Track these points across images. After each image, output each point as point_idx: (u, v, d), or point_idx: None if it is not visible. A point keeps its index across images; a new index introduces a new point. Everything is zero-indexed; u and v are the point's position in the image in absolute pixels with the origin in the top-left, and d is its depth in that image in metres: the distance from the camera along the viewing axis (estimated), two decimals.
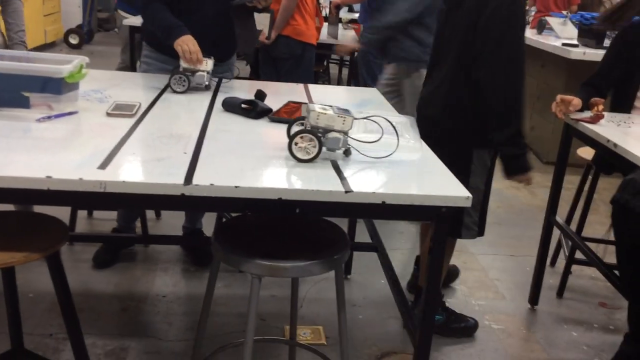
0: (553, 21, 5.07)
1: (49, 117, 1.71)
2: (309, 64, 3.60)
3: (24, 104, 1.72)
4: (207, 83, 2.24)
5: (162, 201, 1.37)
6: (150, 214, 3.13)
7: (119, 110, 1.83)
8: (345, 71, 6.81)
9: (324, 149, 1.57)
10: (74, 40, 7.97)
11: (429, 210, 1.43)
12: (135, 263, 2.80)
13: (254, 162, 1.53)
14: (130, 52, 4.13)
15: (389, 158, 1.63)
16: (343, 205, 1.41)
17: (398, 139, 1.66)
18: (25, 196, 1.32)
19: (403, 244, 3.21)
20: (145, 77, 2.40)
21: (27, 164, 1.37)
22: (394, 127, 1.67)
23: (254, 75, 4.49)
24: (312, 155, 1.55)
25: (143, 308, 2.45)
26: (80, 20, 8.23)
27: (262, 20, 3.30)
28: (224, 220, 2.91)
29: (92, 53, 7.46)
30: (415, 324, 1.69)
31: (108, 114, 1.80)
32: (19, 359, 1.81)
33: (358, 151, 1.62)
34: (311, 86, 2.56)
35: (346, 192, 1.39)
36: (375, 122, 1.84)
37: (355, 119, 1.61)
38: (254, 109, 1.95)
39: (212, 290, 1.75)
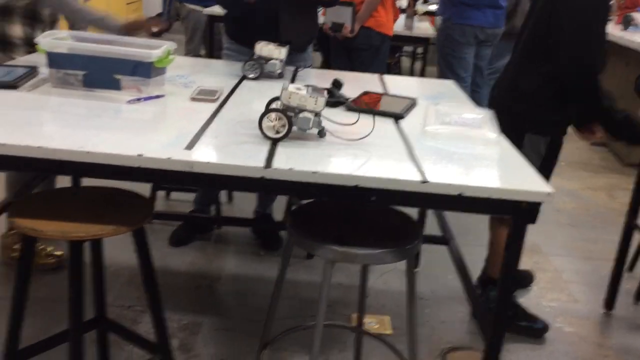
0: None
1: (138, 100, 1.80)
2: (384, 55, 3.59)
3: (116, 86, 1.82)
4: (279, 71, 2.28)
5: (243, 183, 1.42)
6: (222, 197, 3.23)
7: (203, 95, 1.90)
8: (418, 64, 6.73)
9: (295, 128, 1.57)
10: (154, 28, 8.27)
11: (508, 204, 1.40)
12: (209, 244, 2.90)
13: (331, 149, 1.55)
14: (210, 41, 4.25)
15: (468, 151, 1.61)
16: (419, 196, 1.41)
17: (374, 123, 1.67)
18: (117, 172, 1.40)
19: (473, 239, 3.16)
20: (227, 64, 2.47)
21: (119, 142, 1.44)
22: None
23: (325, 65, 4.52)
24: (281, 134, 1.55)
25: (215, 287, 2.54)
26: (160, 9, 8.50)
27: (343, 14, 3.31)
28: (292, 206, 2.97)
29: (173, 40, 7.71)
30: (488, 319, 1.67)
31: (192, 99, 1.87)
32: (102, 326, 1.92)
33: (333, 135, 1.61)
34: (386, 77, 2.55)
35: (423, 182, 1.39)
36: (451, 112, 1.82)
37: (330, 100, 1.59)
38: (331, 98, 1.97)
39: (284, 273, 1.80)
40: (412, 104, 2.03)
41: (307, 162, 1.43)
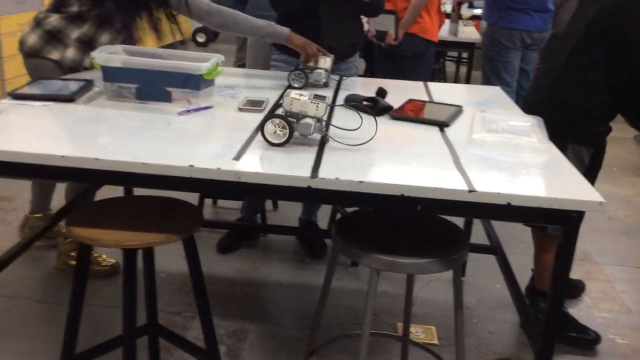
0: None
1: (188, 111, 1.85)
2: (429, 61, 3.57)
3: (167, 98, 1.88)
4: (324, 80, 2.30)
5: (289, 192, 1.44)
6: (268, 205, 3.27)
7: (250, 105, 1.94)
8: (463, 69, 6.66)
9: (296, 133, 1.58)
10: (200, 38, 8.46)
11: (557, 214, 1.38)
12: (255, 251, 2.94)
13: (377, 158, 1.56)
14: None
15: (516, 159, 1.60)
16: (466, 205, 1.40)
17: (376, 127, 1.69)
18: (170, 183, 1.45)
19: (522, 248, 3.10)
20: (273, 74, 2.51)
21: (171, 154, 1.49)
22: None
23: (369, 73, 4.52)
24: (283, 140, 1.57)
25: (262, 294, 2.58)
26: None
27: (385, 22, 3.31)
28: (337, 214, 2.98)
29: (217, 51, 7.87)
30: (537, 330, 1.65)
31: (240, 109, 1.91)
32: (153, 332, 1.97)
33: (334, 139, 1.63)
34: (431, 84, 2.54)
35: (470, 191, 1.38)
36: (497, 120, 1.81)
37: (331, 105, 1.57)
38: (376, 106, 1.98)
39: (330, 281, 1.81)
40: (457, 111, 2.02)
41: (352, 172, 1.45)
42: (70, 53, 2.20)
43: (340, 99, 2.14)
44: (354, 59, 2.70)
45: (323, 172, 1.43)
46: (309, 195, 1.45)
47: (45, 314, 2.35)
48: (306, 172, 1.43)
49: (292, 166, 1.46)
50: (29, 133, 1.57)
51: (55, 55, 2.20)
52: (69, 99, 1.84)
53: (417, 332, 2.33)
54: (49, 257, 2.72)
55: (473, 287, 2.72)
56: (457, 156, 1.60)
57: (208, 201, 3.36)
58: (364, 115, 1.96)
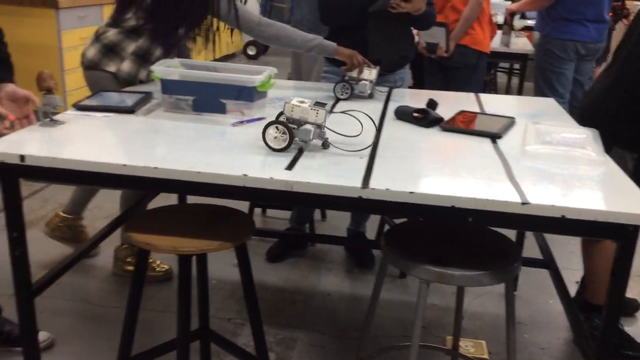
0: None
1: (242, 122, 1.90)
2: (481, 73, 3.54)
3: (222, 109, 1.93)
4: (369, 92, 2.32)
5: (340, 202, 1.46)
6: (316, 215, 3.30)
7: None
8: (514, 80, 6.55)
9: (297, 139, 1.63)
10: (251, 51, 8.62)
11: (613, 227, 1.35)
12: (303, 260, 2.97)
13: (427, 169, 1.57)
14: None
15: (571, 171, 1.57)
16: (519, 217, 1.38)
17: (379, 135, 1.74)
18: (224, 191, 1.49)
19: (575, 263, 3.02)
20: (322, 86, 2.55)
21: (225, 163, 1.54)
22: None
23: (418, 85, 4.51)
24: (283, 145, 1.61)
25: (310, 303, 2.60)
26: None
27: (437, 34, 3.31)
28: (385, 225, 2.98)
29: (267, 63, 8.01)
30: (592, 348, 1.60)
31: None
32: (205, 337, 2.02)
33: (335, 146, 1.67)
34: (482, 95, 2.52)
35: (523, 203, 1.37)
36: (552, 131, 1.78)
37: (331, 112, 1.60)
38: (426, 118, 1.98)
39: (379, 291, 1.81)
40: (510, 123, 1.99)
41: (403, 182, 1.46)
42: (126, 66, 2.30)
43: (390, 111, 2.15)
44: (402, 71, 2.71)
45: (374, 183, 1.44)
46: (360, 206, 1.46)
47: (101, 316, 2.43)
48: (357, 182, 1.44)
49: (342, 176, 1.48)
50: (92, 142, 1.64)
51: (112, 67, 2.30)
52: (130, 110, 1.92)
53: (467, 346, 2.30)
54: (107, 262, 2.82)
55: (525, 302, 2.66)
56: (509, 168, 1.59)
57: (257, 210, 3.42)
58: (413, 127, 1.97)
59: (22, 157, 1.51)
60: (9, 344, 2.16)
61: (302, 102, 1.64)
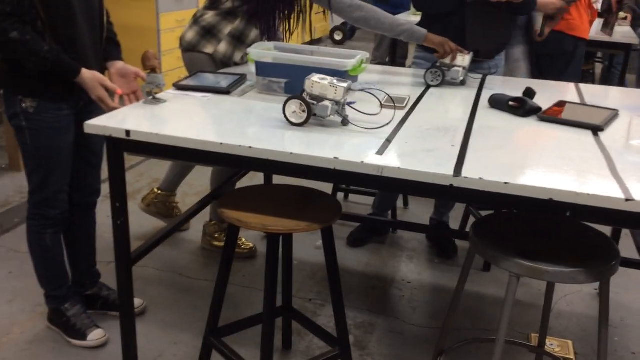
0: None
1: None
2: (579, 61, 3.36)
3: None
4: (462, 78, 2.27)
5: (430, 190, 1.45)
6: (398, 203, 3.28)
7: (391, 102, 1.96)
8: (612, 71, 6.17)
9: (315, 115, 1.67)
10: (338, 36, 8.63)
11: None
12: (384, 247, 2.97)
13: (523, 160, 1.51)
14: (392, 50, 4.34)
15: None
16: (621, 214, 1.31)
17: (395, 111, 1.77)
18: (314, 173, 1.51)
19: None
20: (413, 72, 2.52)
21: (316, 145, 1.55)
22: None
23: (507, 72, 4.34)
24: (302, 120, 1.66)
25: (389, 290, 2.60)
26: None
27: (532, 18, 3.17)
28: (470, 216, 2.92)
29: (353, 48, 7.99)
30: None
31: (381, 105, 1.95)
32: (288, 315, 2.07)
33: (353, 124, 1.71)
34: (583, 86, 2.41)
35: (627, 199, 1.30)
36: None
37: (351, 90, 1.69)
38: (522, 107, 1.91)
39: (464, 282, 1.78)
40: (613, 115, 1.89)
41: (497, 172, 1.42)
42: (222, 47, 2.37)
43: (484, 99, 2.10)
44: (498, 57, 2.63)
45: (466, 172, 1.42)
46: (450, 194, 1.44)
47: (190, 288, 2.55)
48: (449, 170, 1.42)
49: (434, 164, 1.46)
50: (191, 121, 1.71)
51: (209, 49, 2.38)
52: (225, 91, 1.99)
53: (552, 345, 2.22)
54: (196, 237, 2.95)
55: (617, 304, 2.53)
56: (612, 162, 1.51)
57: (339, 196, 3.44)
58: (509, 116, 1.91)
59: (128, 132, 1.60)
60: (106, 308, 2.31)
61: (323, 78, 1.67)
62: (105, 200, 2.37)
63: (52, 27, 1.81)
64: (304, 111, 1.67)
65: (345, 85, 1.66)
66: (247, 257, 2.79)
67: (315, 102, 1.68)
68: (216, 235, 2.81)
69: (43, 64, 1.77)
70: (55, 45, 1.80)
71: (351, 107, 1.78)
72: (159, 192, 2.92)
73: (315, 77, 1.68)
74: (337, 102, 1.67)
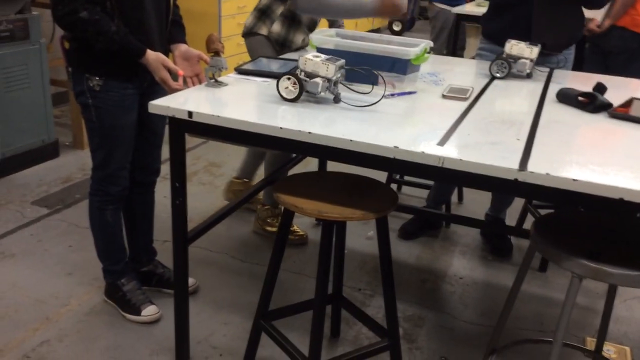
0: None
1: (392, 95, 1.88)
2: None
3: (373, 81, 1.93)
4: (528, 71, 2.19)
5: (493, 183, 1.40)
6: (452, 198, 3.21)
7: (454, 93, 1.92)
8: None
9: (308, 92, 1.71)
10: (396, 27, 8.53)
11: None
12: (436, 241, 2.93)
13: (592, 157, 1.45)
14: (453, 41, 4.25)
15: None
16: None
17: (385, 89, 1.83)
18: (374, 161, 1.49)
19: None
20: (477, 63, 2.45)
21: (375, 134, 1.54)
22: None
23: (575, 68, 4.18)
24: (294, 96, 1.72)
25: (440, 284, 2.56)
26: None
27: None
28: (527, 214, 2.83)
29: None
30: None
31: (443, 96, 1.90)
32: (338, 303, 2.07)
33: (344, 102, 1.76)
34: None
35: None
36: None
37: (344, 68, 1.74)
38: (592, 103, 1.84)
39: (521, 281, 1.73)
40: None
41: (565, 168, 1.36)
42: (276, 27, 2.40)
43: (551, 92, 2.02)
44: (567, 51, 2.53)
45: (532, 166, 1.37)
46: (514, 189, 1.40)
47: (241, 270, 2.58)
48: (514, 164, 1.38)
49: (497, 157, 1.42)
50: (251, 104, 1.72)
51: (264, 30, 2.42)
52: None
53: (609, 351, 2.14)
54: (247, 221, 2.98)
55: None
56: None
57: (392, 187, 3.41)
58: (577, 112, 1.84)
59: (190, 113, 1.62)
60: (160, 285, 2.37)
61: (317, 56, 1.71)
62: (163, 181, 2.43)
63: (121, 8, 1.85)
64: (295, 87, 1.72)
65: (337, 63, 1.71)
66: (298, 244, 2.80)
67: (307, 79, 1.72)
68: (268, 220, 2.84)
69: (110, 44, 1.82)
70: (122, 26, 1.84)
71: (344, 84, 1.83)
72: (236, 180, 3.01)
73: (309, 55, 1.72)
74: (328, 80, 1.72)
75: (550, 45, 2.38)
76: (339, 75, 1.73)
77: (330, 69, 1.70)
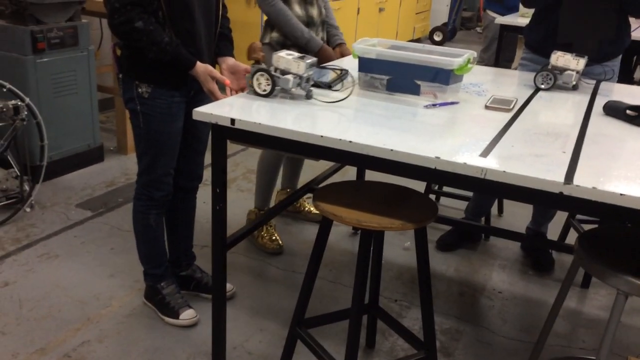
0: None
1: (434, 105, 1.87)
2: None
3: (415, 91, 1.92)
4: (574, 83, 2.15)
5: (537, 196, 1.38)
6: (492, 210, 3.17)
7: (497, 104, 1.89)
8: None
9: (280, 88, 1.80)
10: (437, 37, 8.48)
11: None
12: (475, 254, 2.88)
13: None
14: (496, 51, 4.20)
15: None
16: None
17: (353, 85, 1.96)
18: (414, 171, 1.48)
19: None
20: (520, 74, 2.42)
21: (416, 144, 1.53)
22: None
23: (623, 81, 4.08)
24: (267, 92, 1.80)
25: (479, 298, 2.52)
26: (446, 19, 8.68)
27: None
28: (570, 229, 2.77)
29: None
30: None
31: (486, 107, 1.88)
32: (374, 312, 2.06)
33: (316, 99, 1.83)
34: None
35: None
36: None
37: (316, 66, 1.84)
38: None
39: (564, 296, 1.69)
40: None
41: (612, 182, 1.33)
42: (275, 33, 2.54)
43: (598, 105, 1.98)
44: (612, 62, 2.47)
45: (578, 179, 1.34)
46: (559, 202, 1.37)
47: (278, 277, 2.59)
48: (559, 177, 1.35)
49: (542, 169, 1.39)
50: (292, 113, 1.73)
51: (267, 38, 2.56)
52: (327, 85, 2.00)
53: None
54: (286, 228, 3.00)
55: None
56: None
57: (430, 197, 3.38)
58: (626, 125, 1.79)
59: (233, 121, 1.65)
60: (198, 290, 2.40)
61: (290, 54, 1.80)
62: (202, 187, 2.46)
63: (172, 19, 1.89)
64: (268, 84, 1.79)
65: (308, 61, 1.79)
66: (317, 221, 2.80)
67: (279, 76, 1.79)
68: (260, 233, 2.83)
69: (162, 54, 1.86)
70: (174, 37, 1.88)
71: (316, 80, 1.92)
72: (280, 191, 3.07)
73: (282, 53, 1.80)
74: (300, 77, 1.79)
75: (577, 47, 2.32)
76: (310, 72, 1.82)
77: (300, 66, 1.78)
